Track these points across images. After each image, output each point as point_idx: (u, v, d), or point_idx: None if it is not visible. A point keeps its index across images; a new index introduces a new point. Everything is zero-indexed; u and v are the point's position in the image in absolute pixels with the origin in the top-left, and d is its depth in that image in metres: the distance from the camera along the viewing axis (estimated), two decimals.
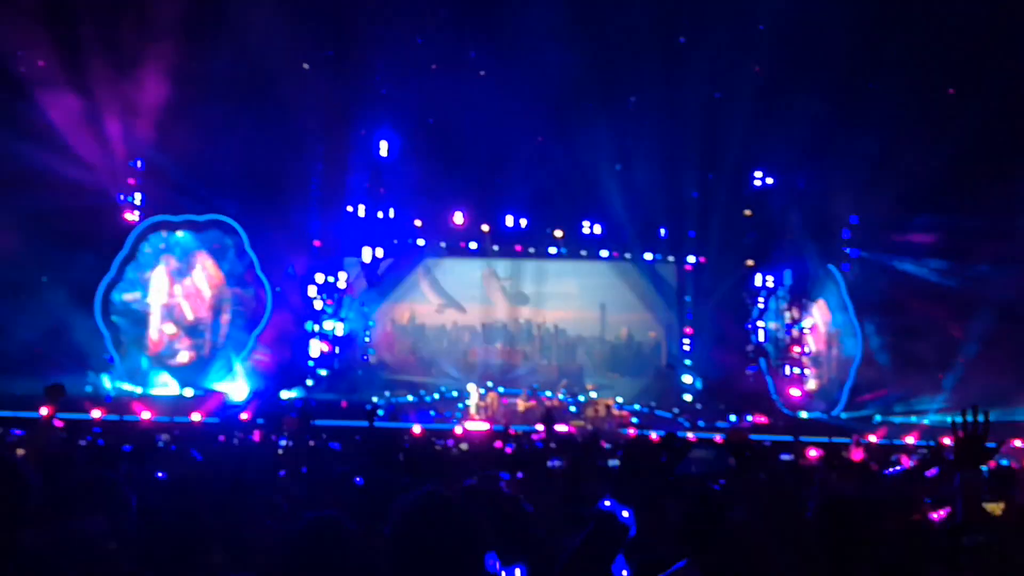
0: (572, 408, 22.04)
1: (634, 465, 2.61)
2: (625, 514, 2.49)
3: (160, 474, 5.94)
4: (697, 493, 3.83)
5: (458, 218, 22.33)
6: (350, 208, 22.07)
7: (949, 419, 14.62)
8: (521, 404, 21.43)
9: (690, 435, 16.37)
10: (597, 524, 2.46)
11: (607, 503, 2.52)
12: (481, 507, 2.85)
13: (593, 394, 22.63)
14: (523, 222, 22.75)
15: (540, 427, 9.15)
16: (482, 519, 2.70)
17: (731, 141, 20.97)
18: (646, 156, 20.73)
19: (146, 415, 16.50)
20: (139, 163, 20.94)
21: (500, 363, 23.90)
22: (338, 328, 21.94)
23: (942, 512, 4.56)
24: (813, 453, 12.25)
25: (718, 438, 14.60)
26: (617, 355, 24.50)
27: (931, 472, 8.35)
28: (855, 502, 3.88)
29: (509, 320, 24.32)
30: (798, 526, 3.53)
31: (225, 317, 21.49)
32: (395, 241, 22.82)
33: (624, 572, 2.56)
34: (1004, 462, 12.69)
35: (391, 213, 22.27)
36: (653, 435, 17.30)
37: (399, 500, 2.57)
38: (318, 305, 21.77)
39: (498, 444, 10.27)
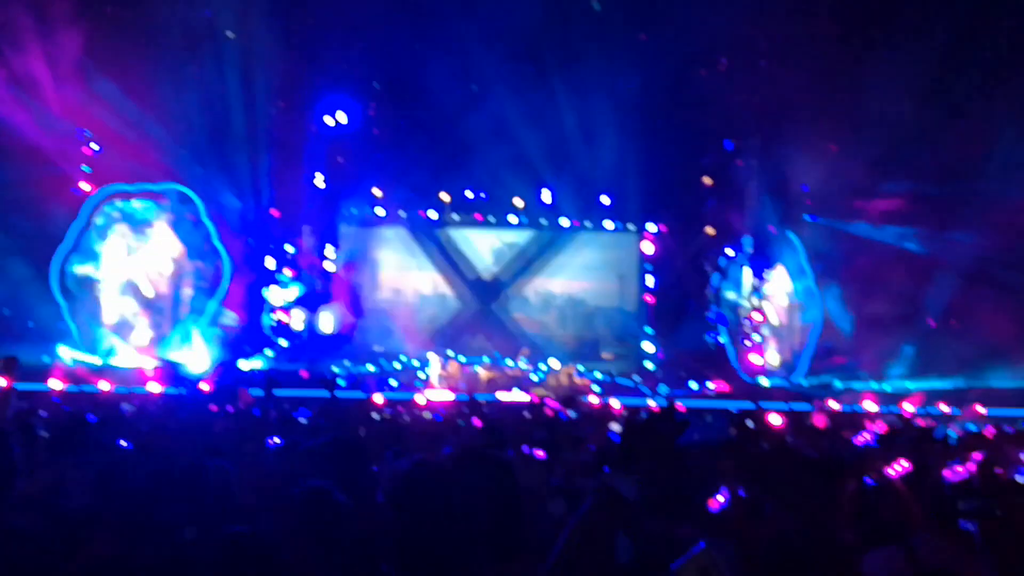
0: (534, 377, 22.08)
1: (635, 441, 2.57)
2: (626, 488, 2.44)
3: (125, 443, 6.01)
4: (699, 465, 3.85)
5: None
6: (312, 178, 21.91)
7: (910, 385, 14.78)
8: (483, 373, 21.47)
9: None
10: (597, 498, 2.41)
11: (607, 475, 2.48)
12: (471, 474, 2.84)
13: (555, 364, 22.66)
14: (483, 194, 22.68)
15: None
16: (473, 485, 2.73)
17: (692, 107, 20.98)
18: (606, 123, 20.71)
19: (105, 386, 16.49)
20: (90, 132, 20.64)
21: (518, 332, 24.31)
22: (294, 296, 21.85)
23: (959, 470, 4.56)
24: (776, 420, 12.34)
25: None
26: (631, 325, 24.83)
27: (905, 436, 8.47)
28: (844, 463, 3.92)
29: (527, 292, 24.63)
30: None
31: (186, 291, 21.35)
32: (354, 211, 22.72)
33: (625, 548, 2.61)
34: (971, 427, 12.85)
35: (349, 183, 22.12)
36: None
37: (388, 468, 2.55)
38: (277, 275, 21.62)
39: (476, 422, 10.01)
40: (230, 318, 21.10)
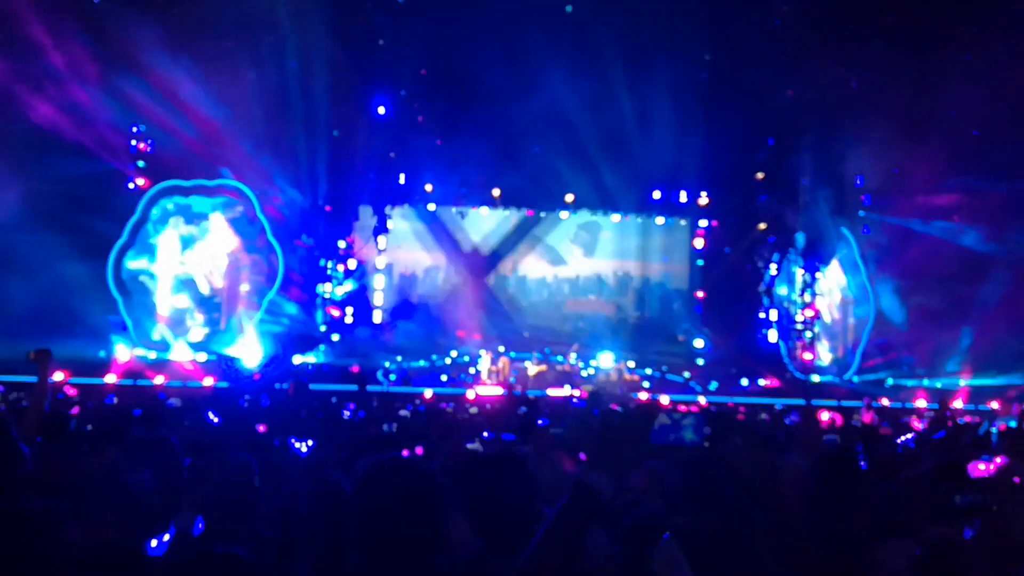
0: (584, 373, 22.08)
1: (612, 434, 2.59)
2: (601, 482, 2.46)
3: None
4: (680, 458, 3.82)
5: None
6: (365, 173, 21.95)
7: (961, 382, 14.63)
8: (532, 368, 21.48)
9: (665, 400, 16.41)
10: (573, 493, 2.43)
11: (583, 471, 2.50)
12: (488, 470, 2.84)
13: (606, 360, 22.61)
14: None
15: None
16: (448, 486, 2.75)
17: (745, 102, 20.79)
18: (658, 117, 20.56)
19: (159, 380, 16.66)
20: (145, 128, 20.80)
21: (593, 315, 24.57)
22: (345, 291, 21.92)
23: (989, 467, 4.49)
24: (826, 416, 12.26)
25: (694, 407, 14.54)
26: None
27: (939, 435, 8.38)
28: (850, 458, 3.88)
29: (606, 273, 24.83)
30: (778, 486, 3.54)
31: (243, 286, 21.51)
32: (406, 205, 22.76)
33: (599, 540, 2.62)
34: (1012, 424, 12.69)
35: (401, 178, 22.10)
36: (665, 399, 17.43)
37: (364, 461, 2.59)
38: (330, 271, 21.69)
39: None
40: (279, 316, 21.22)
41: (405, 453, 4.99)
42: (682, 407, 13.53)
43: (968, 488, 3.99)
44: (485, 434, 6.82)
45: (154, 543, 3.08)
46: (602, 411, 9.94)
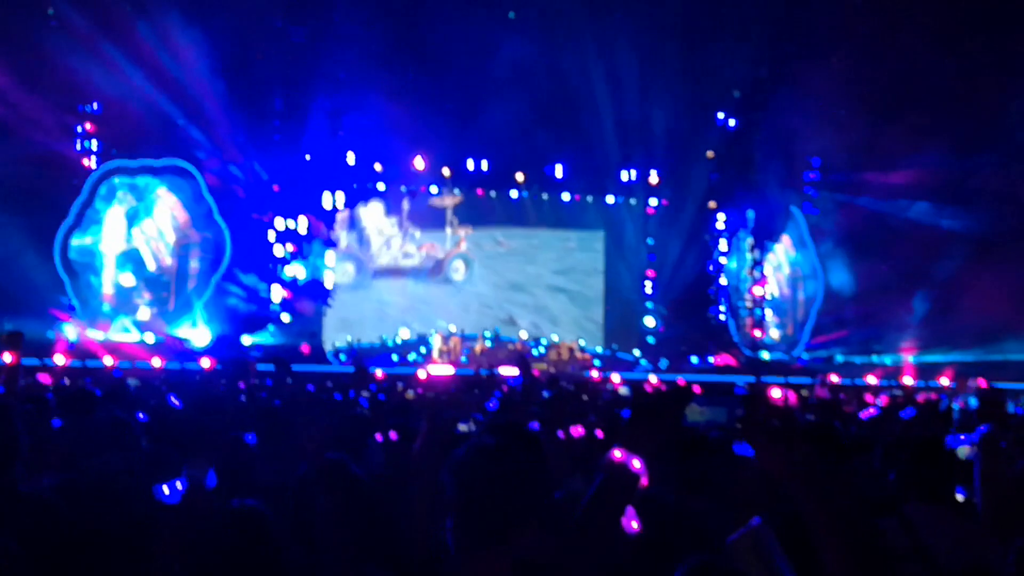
0: (536, 351, 22.18)
1: (645, 416, 2.58)
2: (636, 464, 2.44)
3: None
4: (709, 441, 3.82)
5: (419, 162, 22.13)
6: (308, 155, 21.81)
7: (911, 359, 14.79)
8: (478, 347, 21.58)
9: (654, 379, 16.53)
10: (607, 475, 2.43)
11: (617, 453, 2.47)
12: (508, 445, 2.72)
13: (555, 337, 22.75)
14: (484, 164, 22.56)
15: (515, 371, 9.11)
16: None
17: (693, 81, 20.86)
18: (607, 98, 20.62)
19: (109, 361, 16.56)
20: (94, 106, 20.60)
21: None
22: (299, 273, 21.80)
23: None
24: (777, 393, 12.33)
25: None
26: None
27: (906, 413, 8.48)
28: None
29: None
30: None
31: (193, 264, 21.38)
32: (354, 185, 22.66)
33: (635, 523, 2.53)
34: (971, 401, 12.88)
35: (350, 158, 21.98)
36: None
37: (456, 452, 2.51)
38: (278, 250, 21.58)
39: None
40: (227, 296, 21.14)
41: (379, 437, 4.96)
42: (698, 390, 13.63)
43: (949, 464, 4.07)
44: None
45: (166, 490, 3.03)
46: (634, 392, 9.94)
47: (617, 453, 2.46)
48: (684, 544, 2.68)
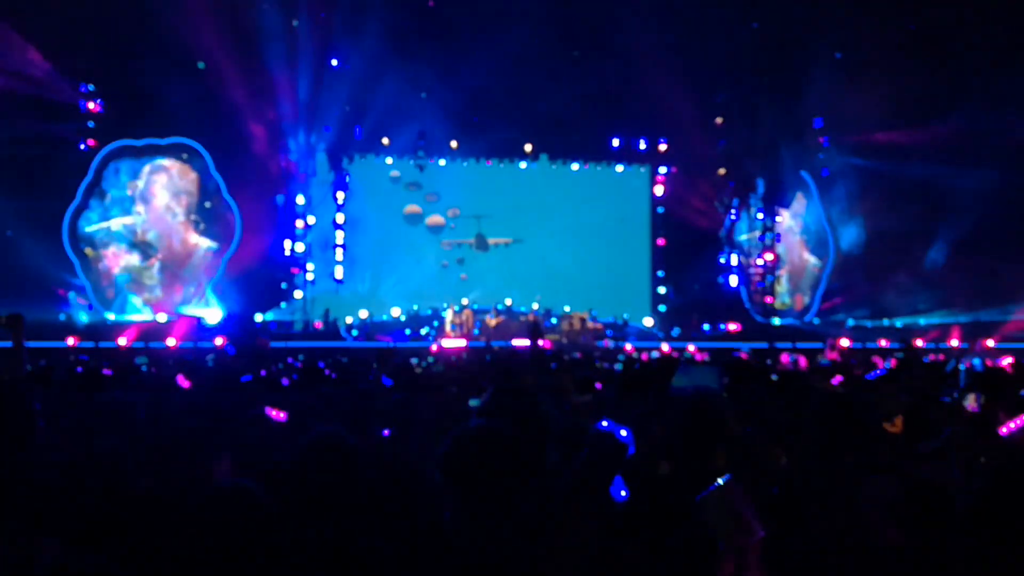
0: (553, 320, 22.20)
1: (630, 387, 2.62)
2: (623, 433, 2.47)
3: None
4: (694, 408, 3.83)
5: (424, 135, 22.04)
6: (323, 130, 21.68)
7: (921, 321, 14.76)
8: (491, 321, 21.54)
9: (692, 348, 16.53)
10: (595, 445, 2.45)
11: (604, 423, 2.50)
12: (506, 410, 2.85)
13: (567, 307, 22.71)
14: (492, 136, 22.43)
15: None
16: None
17: (702, 47, 20.67)
18: (616, 66, 20.43)
19: (122, 341, 16.54)
20: (95, 87, 20.41)
21: None
22: (308, 249, 21.75)
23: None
24: (786, 358, 12.36)
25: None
26: None
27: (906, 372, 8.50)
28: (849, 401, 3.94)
29: None
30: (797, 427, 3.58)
31: (203, 242, 21.28)
32: (360, 157, 22.55)
33: (623, 492, 2.57)
34: (976, 362, 12.90)
35: (358, 132, 21.84)
36: (629, 346, 17.53)
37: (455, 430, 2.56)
38: (288, 226, 21.48)
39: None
40: (237, 274, 21.06)
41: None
42: (699, 357, 13.67)
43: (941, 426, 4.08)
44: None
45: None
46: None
47: (604, 423, 2.50)
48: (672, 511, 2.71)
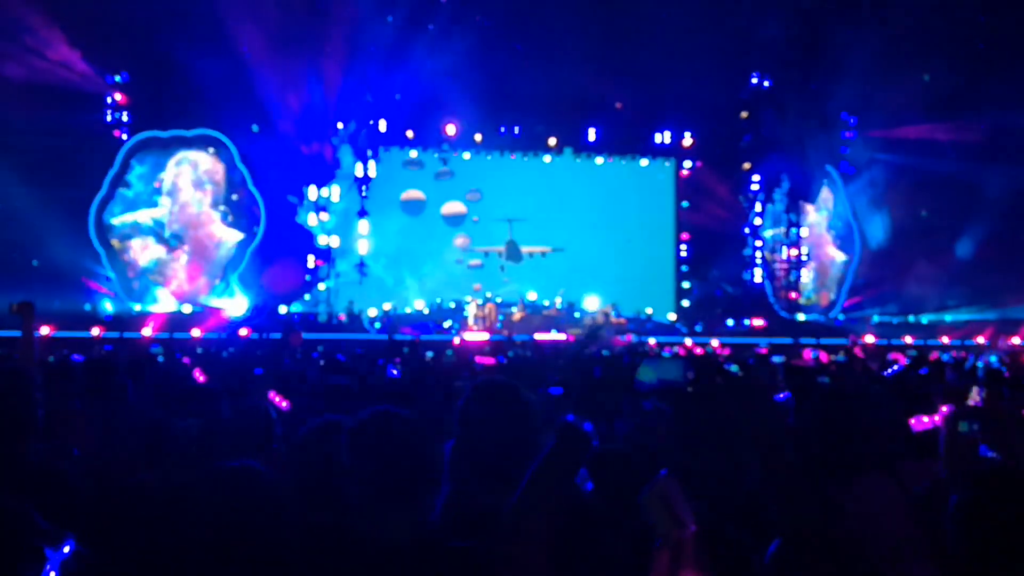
0: (577, 315, 22.23)
1: (597, 378, 2.65)
2: (588, 425, 2.53)
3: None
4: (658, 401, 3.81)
5: (450, 129, 22.02)
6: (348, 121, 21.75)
7: (947, 317, 14.68)
8: (517, 314, 21.53)
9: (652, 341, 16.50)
10: (560, 437, 2.45)
11: (570, 417, 2.52)
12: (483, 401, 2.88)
13: (592, 303, 22.67)
14: (516, 129, 22.44)
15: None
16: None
17: (727, 41, 20.60)
18: (640, 60, 20.39)
19: (147, 331, 16.65)
20: (123, 77, 20.52)
21: None
22: (333, 242, 21.77)
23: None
24: (808, 354, 12.35)
25: (680, 350, 14.60)
26: None
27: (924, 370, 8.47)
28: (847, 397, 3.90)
29: None
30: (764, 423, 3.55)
31: (228, 233, 21.37)
32: (385, 150, 22.58)
33: (588, 483, 2.63)
34: (992, 359, 12.84)
35: (382, 125, 21.86)
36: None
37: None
38: (312, 220, 21.53)
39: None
40: (262, 266, 21.14)
41: None
42: (666, 350, 13.66)
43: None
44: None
45: None
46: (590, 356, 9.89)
47: (569, 417, 2.53)
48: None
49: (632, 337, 20.02)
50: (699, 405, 3.39)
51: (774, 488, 2.62)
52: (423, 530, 2.48)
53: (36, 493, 2.62)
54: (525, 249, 23.60)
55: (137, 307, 20.43)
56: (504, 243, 23.55)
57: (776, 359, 11.61)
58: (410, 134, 22.24)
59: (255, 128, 20.66)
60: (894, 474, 3.44)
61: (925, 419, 4.20)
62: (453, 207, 23.68)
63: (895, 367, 9.41)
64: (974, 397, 5.55)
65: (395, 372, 8.80)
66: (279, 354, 10.79)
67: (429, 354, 11.61)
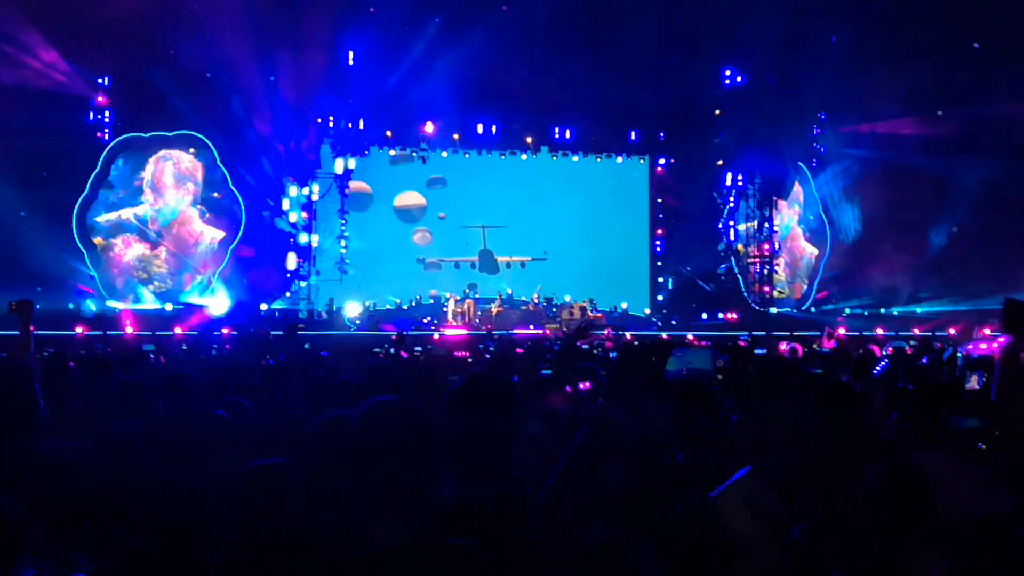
0: (553, 310, 22.48)
1: (627, 368, 2.71)
2: (618, 416, 2.53)
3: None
4: (689, 392, 3.87)
5: (429, 127, 22.30)
6: (327, 121, 21.96)
7: (918, 310, 14.87)
8: (494, 309, 21.84)
9: (690, 336, 16.81)
10: (591, 427, 2.46)
11: (600, 405, 2.58)
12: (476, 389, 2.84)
13: (567, 297, 22.98)
14: (493, 128, 22.72)
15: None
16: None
17: (700, 40, 20.88)
18: (615, 58, 20.64)
19: (129, 330, 16.80)
20: (107, 80, 20.70)
21: None
22: (313, 240, 22.00)
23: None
24: (784, 347, 12.58)
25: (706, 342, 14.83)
26: None
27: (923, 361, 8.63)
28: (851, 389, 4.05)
29: None
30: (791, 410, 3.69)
31: (209, 232, 21.54)
32: (366, 152, 22.79)
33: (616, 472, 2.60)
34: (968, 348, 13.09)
35: (360, 124, 22.09)
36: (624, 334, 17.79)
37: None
38: (292, 218, 21.76)
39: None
40: (243, 264, 21.30)
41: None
42: (695, 341, 13.89)
43: (960, 410, 4.21)
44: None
45: None
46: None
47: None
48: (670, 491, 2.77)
49: (611, 331, 20.34)
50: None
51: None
52: (422, 527, 2.40)
53: (42, 485, 2.76)
54: (501, 259, 23.88)
55: (119, 305, 20.53)
56: (477, 252, 23.87)
57: (759, 351, 11.90)
58: (389, 134, 22.48)
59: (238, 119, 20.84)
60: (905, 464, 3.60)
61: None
62: (409, 198, 24.12)
63: (881, 364, 9.60)
64: (972, 383, 5.66)
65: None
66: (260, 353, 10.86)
67: (417, 349, 11.86)
